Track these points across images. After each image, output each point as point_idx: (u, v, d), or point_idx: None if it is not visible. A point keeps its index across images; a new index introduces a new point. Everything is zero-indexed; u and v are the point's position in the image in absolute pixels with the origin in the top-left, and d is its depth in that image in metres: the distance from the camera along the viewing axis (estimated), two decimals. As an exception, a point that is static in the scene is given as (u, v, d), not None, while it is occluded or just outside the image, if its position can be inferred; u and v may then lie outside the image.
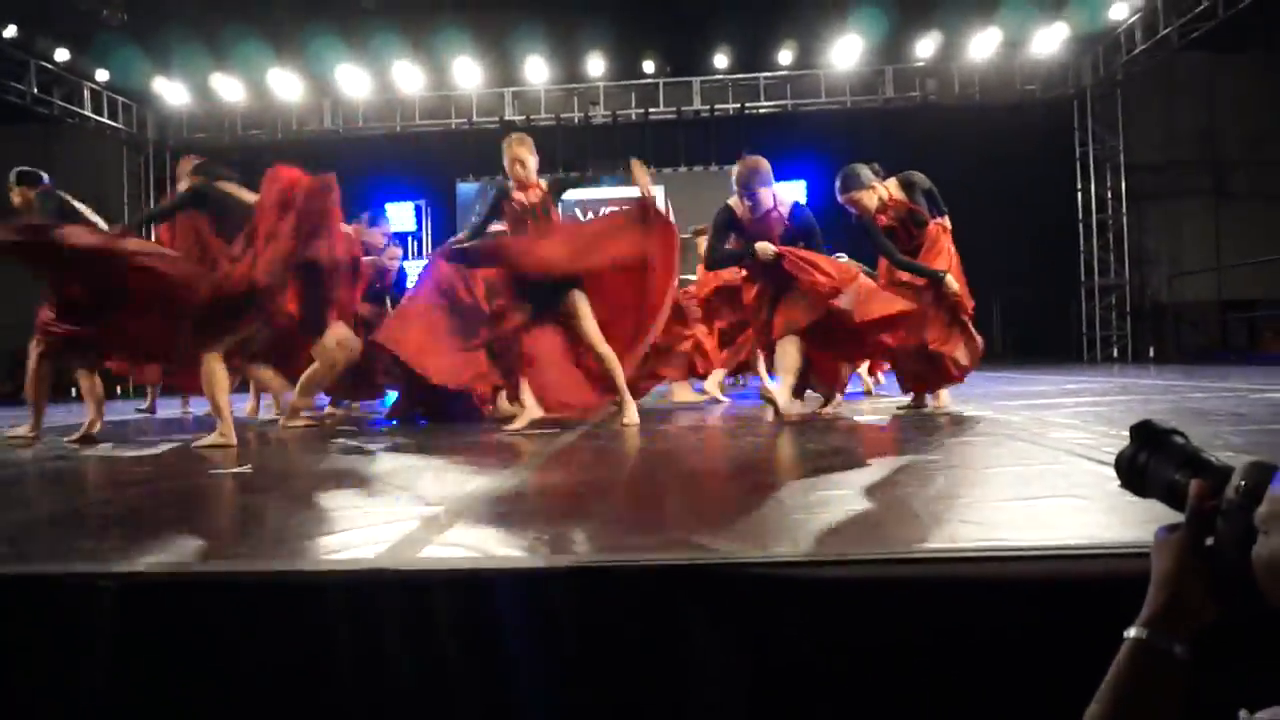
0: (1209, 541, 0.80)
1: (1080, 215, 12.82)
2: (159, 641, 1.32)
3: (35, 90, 11.24)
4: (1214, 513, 0.79)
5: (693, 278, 6.44)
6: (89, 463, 3.33)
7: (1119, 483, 0.93)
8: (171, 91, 12.81)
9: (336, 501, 2.14)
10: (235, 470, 2.86)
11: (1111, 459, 2.18)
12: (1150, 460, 0.89)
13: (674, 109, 13.05)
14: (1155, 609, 0.81)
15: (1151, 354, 12.38)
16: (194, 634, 1.33)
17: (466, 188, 13.81)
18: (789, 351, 4.01)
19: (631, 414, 4.11)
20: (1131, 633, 0.81)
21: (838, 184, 4.49)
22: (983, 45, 11.95)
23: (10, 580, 1.40)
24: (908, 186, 4.52)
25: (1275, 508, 0.71)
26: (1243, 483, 0.76)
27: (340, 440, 3.97)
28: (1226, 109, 12.43)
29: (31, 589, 1.38)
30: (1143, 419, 0.92)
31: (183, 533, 1.84)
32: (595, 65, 12.46)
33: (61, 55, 11.44)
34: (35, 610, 1.35)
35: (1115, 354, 12.68)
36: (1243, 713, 0.69)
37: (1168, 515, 0.91)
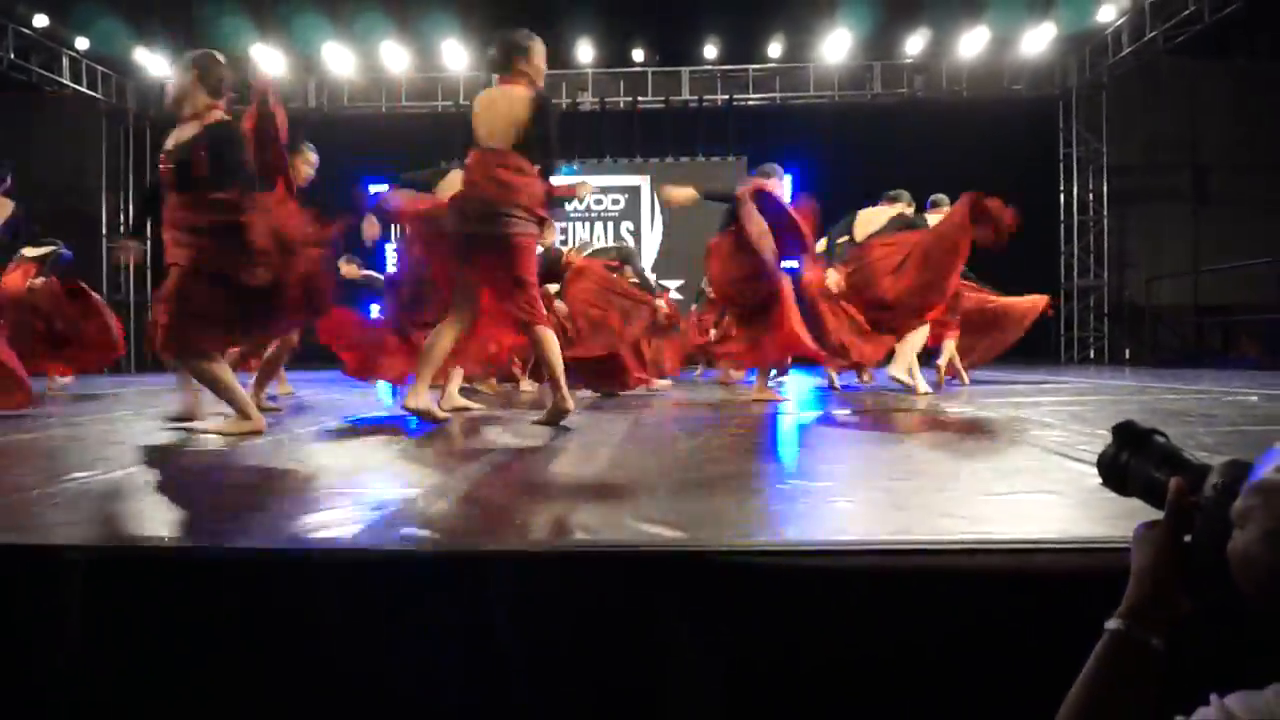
0: (1186, 538, 0.82)
1: (1062, 216, 12.93)
2: (128, 618, 1.31)
3: (12, 56, 11.03)
4: (1192, 509, 0.80)
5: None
6: (60, 435, 3.29)
7: (1100, 481, 0.94)
8: (153, 63, 12.60)
9: (314, 481, 2.13)
10: (213, 449, 2.84)
11: (1087, 457, 2.20)
12: (1131, 459, 0.90)
13: (662, 98, 13.01)
14: (1134, 601, 0.83)
15: (1127, 356, 12.53)
16: (163, 611, 1.32)
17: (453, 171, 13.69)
18: None
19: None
20: (1111, 624, 0.83)
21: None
22: (971, 43, 12.00)
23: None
24: None
25: (1250, 502, 0.72)
26: (1220, 480, 0.78)
27: (320, 421, 3.94)
28: (1208, 114, 12.55)
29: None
30: (1124, 419, 0.93)
31: (157, 508, 1.82)
32: (584, 52, 12.39)
33: (40, 21, 11.22)
34: (1, 583, 1.34)
35: (1092, 355, 12.82)
36: (1213, 697, 0.71)
37: (1140, 512, 0.93)
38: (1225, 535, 0.75)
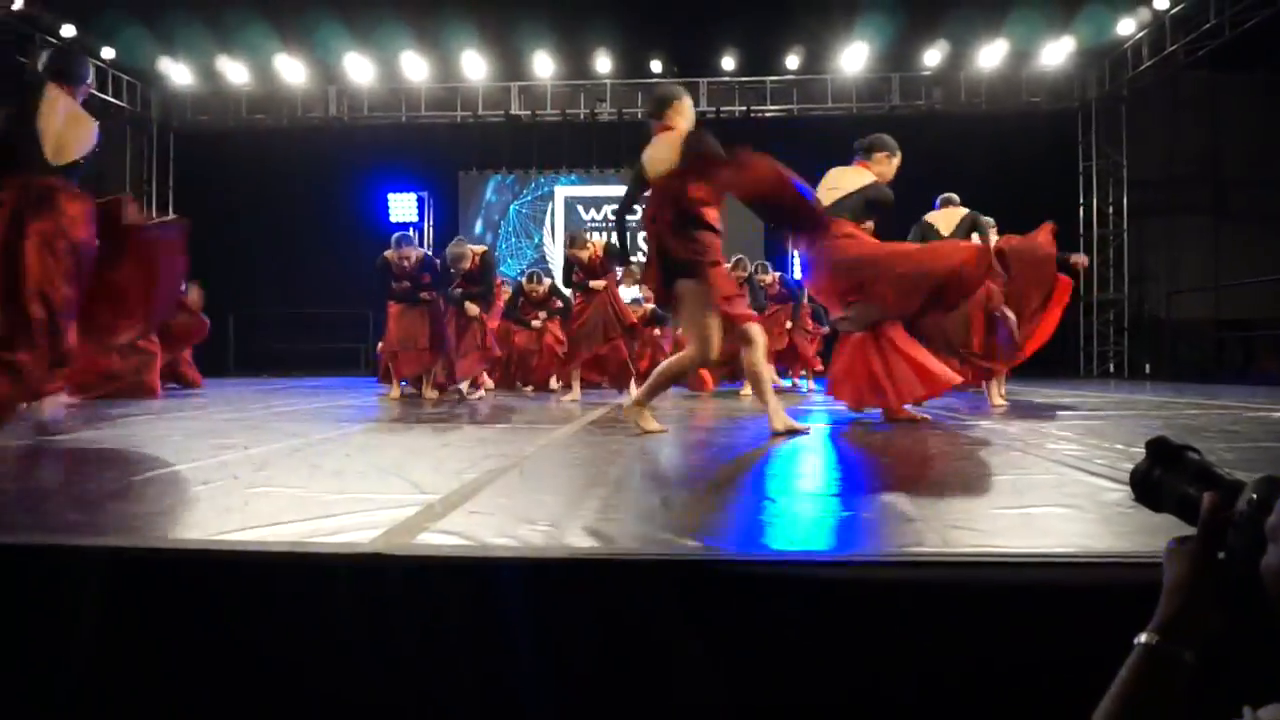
0: (1220, 554, 0.82)
1: (1081, 230, 12.84)
2: (149, 618, 1.33)
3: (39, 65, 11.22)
4: (1225, 524, 0.80)
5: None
6: (83, 439, 3.33)
7: (1133, 497, 0.94)
8: (177, 72, 12.78)
9: (331, 485, 2.14)
10: (228, 451, 2.86)
11: (1105, 471, 2.18)
12: (1164, 475, 0.90)
13: (680, 109, 13.05)
14: (1166, 616, 0.83)
15: (1148, 370, 12.42)
16: (184, 612, 1.33)
17: (470, 180, 13.81)
18: None
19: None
20: (1142, 638, 0.82)
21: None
22: (990, 56, 11.98)
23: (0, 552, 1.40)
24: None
25: None
26: (1254, 495, 0.78)
27: (337, 424, 3.97)
28: (1229, 128, 12.46)
29: (20, 561, 1.38)
30: (1158, 435, 0.93)
31: (177, 510, 1.84)
32: (602, 63, 12.45)
33: (68, 31, 11.41)
34: (25, 583, 1.36)
35: (1112, 369, 12.72)
36: (1247, 710, 0.70)
37: (1162, 527, 0.92)
38: (1259, 551, 0.75)
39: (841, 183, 4.37)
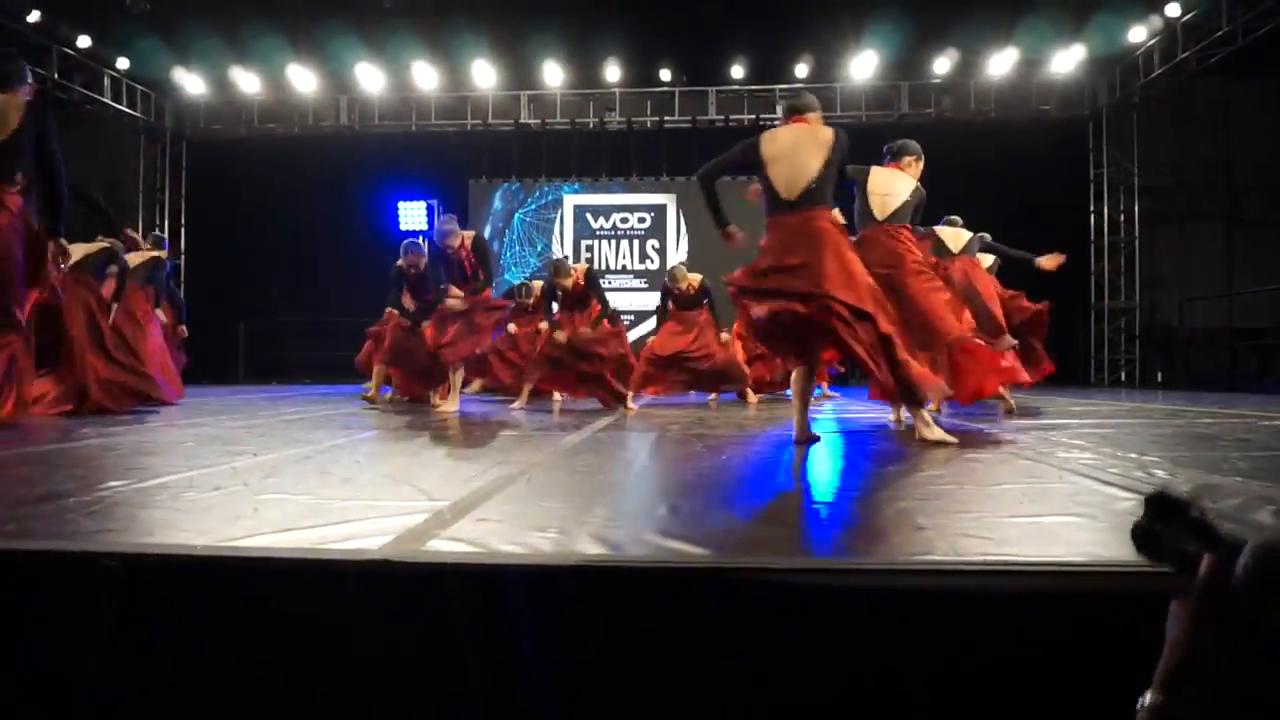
0: (1219, 612, 0.82)
1: (1092, 236, 12.80)
2: (161, 623, 1.33)
3: (56, 75, 11.33)
4: (1223, 590, 0.81)
5: None
6: (95, 445, 3.35)
7: (1134, 547, 0.94)
8: (190, 82, 12.90)
9: (340, 492, 2.15)
10: (239, 457, 2.88)
11: (1118, 480, 2.17)
12: (1164, 530, 0.91)
13: (689, 118, 13.09)
14: (1166, 674, 0.83)
15: (1160, 378, 12.35)
16: (196, 617, 1.34)
17: (480, 188, 13.87)
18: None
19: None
20: (1146, 699, 0.82)
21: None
22: (1000, 64, 11.96)
23: (13, 557, 1.41)
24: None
25: None
26: (1250, 561, 0.78)
27: (346, 431, 3.99)
28: (1241, 135, 12.41)
29: (35, 566, 1.39)
30: (1159, 489, 0.94)
31: (190, 517, 1.85)
32: (612, 72, 12.50)
33: (83, 42, 11.54)
34: (38, 588, 1.37)
35: (1123, 377, 12.65)
36: None
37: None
38: (1257, 613, 0.75)
39: (894, 187, 4.53)
